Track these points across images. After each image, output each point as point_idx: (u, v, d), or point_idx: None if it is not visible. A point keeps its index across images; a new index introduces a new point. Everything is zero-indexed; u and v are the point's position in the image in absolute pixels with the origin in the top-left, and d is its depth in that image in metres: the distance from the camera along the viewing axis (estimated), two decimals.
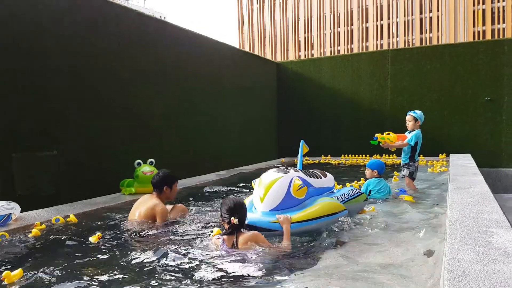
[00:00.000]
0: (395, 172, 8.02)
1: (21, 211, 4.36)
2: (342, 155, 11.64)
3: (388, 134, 5.93)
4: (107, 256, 3.22)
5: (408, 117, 6.12)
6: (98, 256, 3.25)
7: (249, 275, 2.68)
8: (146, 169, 5.93)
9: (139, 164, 6.01)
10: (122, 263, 3.06)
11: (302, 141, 5.10)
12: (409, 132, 6.10)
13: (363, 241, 3.50)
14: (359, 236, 3.62)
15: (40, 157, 5.35)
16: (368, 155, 11.25)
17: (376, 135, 5.89)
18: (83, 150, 5.98)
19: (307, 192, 3.79)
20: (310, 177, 4.05)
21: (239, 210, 3.10)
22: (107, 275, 2.82)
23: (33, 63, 5.32)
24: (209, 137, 9.06)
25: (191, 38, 8.59)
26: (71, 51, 5.82)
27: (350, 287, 2.51)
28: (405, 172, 6.15)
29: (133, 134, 6.87)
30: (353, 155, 11.47)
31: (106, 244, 3.57)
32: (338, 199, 4.05)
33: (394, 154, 9.84)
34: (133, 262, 3.07)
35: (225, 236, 3.10)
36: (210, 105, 9.11)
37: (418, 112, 6.09)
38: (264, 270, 2.75)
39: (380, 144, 5.96)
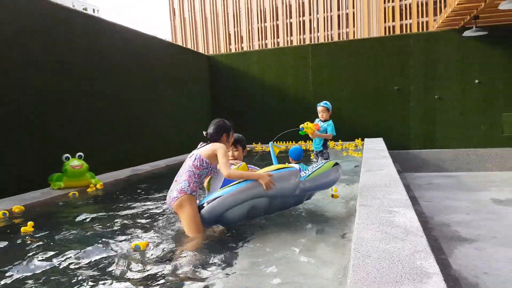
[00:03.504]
0: (311, 155, 8.20)
1: None
2: (274, 142, 11.67)
3: (307, 124, 6.05)
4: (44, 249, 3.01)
5: (322, 108, 6.30)
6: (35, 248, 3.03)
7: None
8: (75, 163, 5.62)
9: (67, 158, 5.67)
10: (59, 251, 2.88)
11: (270, 143, 4.82)
12: (323, 121, 6.26)
13: (282, 228, 3.49)
14: (278, 224, 3.60)
15: None
16: (294, 141, 11.49)
17: (301, 125, 5.95)
18: (8, 145, 5.52)
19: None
20: None
21: (211, 126, 3.72)
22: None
23: None
24: (141, 130, 8.74)
25: (121, 33, 8.18)
26: None
27: (263, 276, 2.52)
28: (320, 160, 6.32)
29: (61, 127, 6.45)
30: (281, 142, 11.60)
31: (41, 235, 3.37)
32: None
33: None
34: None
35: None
36: (142, 99, 8.78)
37: (328, 102, 6.34)
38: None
39: (309, 135, 6.05)
